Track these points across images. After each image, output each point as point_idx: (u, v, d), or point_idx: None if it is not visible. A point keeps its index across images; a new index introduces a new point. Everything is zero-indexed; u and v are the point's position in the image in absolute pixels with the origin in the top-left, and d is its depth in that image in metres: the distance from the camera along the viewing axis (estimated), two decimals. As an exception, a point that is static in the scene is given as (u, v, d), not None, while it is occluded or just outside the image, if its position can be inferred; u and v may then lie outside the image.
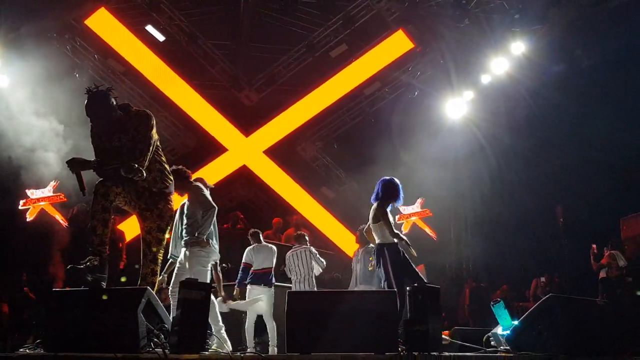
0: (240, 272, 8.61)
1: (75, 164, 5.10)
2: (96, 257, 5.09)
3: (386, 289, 6.89)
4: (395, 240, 7.16)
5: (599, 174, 11.59)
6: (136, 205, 5.50)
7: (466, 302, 13.26)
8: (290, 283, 9.01)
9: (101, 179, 5.25)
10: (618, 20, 10.93)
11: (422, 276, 9.77)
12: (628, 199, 11.13)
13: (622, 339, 5.56)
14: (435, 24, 13.30)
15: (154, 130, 5.43)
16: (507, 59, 12.21)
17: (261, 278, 8.41)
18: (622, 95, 10.98)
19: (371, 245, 8.13)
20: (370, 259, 8.04)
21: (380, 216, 7.23)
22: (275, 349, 8.09)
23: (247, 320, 8.43)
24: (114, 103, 5.33)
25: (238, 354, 5.04)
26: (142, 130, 5.32)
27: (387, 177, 7.56)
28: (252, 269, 8.48)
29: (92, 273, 4.97)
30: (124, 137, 5.33)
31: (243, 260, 8.66)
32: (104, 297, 4.80)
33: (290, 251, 9.15)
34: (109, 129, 5.33)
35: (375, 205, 7.38)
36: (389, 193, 7.41)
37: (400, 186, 7.49)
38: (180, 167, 6.56)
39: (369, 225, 7.53)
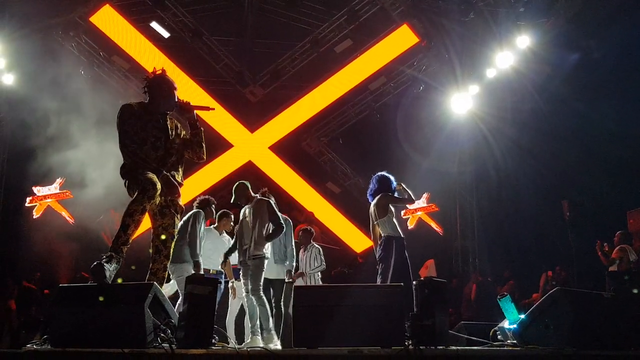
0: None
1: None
2: (118, 255, 4.92)
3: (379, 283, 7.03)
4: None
5: (604, 168, 11.52)
6: (157, 203, 5.34)
7: (472, 297, 13.24)
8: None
9: (155, 177, 5.14)
10: (623, 11, 10.86)
11: (432, 270, 9.88)
12: (634, 192, 11.07)
13: (629, 332, 5.53)
14: (440, 18, 13.27)
15: None
16: (512, 52, 12.13)
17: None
18: (628, 87, 10.89)
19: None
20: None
21: (388, 207, 7.33)
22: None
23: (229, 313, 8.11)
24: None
25: (245, 349, 5.04)
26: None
27: (381, 172, 7.65)
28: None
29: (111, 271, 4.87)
30: (177, 133, 5.59)
31: None
32: (101, 299, 4.67)
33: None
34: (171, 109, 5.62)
35: (378, 198, 7.43)
36: (388, 186, 7.51)
37: (392, 179, 7.59)
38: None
39: (374, 223, 7.54)
